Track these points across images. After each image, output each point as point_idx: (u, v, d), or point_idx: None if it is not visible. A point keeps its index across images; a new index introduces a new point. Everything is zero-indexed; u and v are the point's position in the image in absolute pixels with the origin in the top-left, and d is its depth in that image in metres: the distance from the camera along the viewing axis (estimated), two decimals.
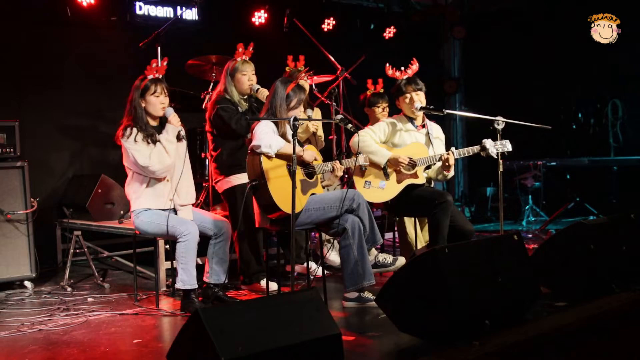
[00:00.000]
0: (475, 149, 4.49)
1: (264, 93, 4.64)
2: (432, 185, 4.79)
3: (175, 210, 4.19)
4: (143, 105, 4.15)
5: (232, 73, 4.73)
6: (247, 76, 4.73)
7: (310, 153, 4.11)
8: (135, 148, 4.05)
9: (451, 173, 4.55)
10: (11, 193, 4.87)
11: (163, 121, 4.23)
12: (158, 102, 4.16)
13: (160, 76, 4.23)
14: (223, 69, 4.82)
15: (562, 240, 4.04)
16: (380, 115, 5.21)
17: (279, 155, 3.96)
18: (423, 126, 4.74)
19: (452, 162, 4.45)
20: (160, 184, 4.17)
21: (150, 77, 4.18)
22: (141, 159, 4.04)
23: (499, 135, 4.42)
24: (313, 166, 4.15)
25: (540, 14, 8.33)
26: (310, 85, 5.77)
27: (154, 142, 4.11)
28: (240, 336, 2.55)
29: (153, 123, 4.21)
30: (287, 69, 5.04)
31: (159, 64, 4.26)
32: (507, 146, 4.46)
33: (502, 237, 3.65)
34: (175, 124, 4.20)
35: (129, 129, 4.09)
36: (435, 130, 4.79)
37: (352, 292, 4.05)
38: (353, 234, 3.97)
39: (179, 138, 4.20)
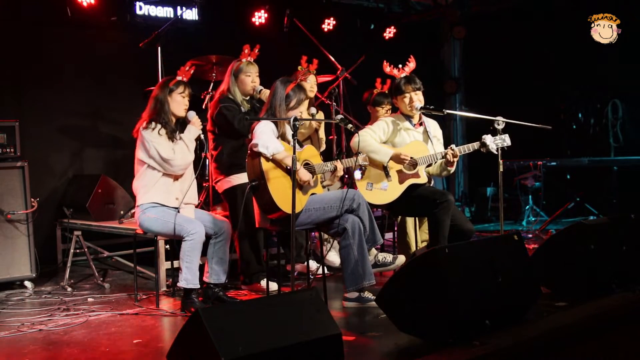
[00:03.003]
0: (476, 145, 4.50)
1: (266, 94, 4.65)
2: (432, 183, 4.79)
3: (177, 210, 4.21)
4: (169, 102, 4.23)
5: (236, 74, 4.74)
6: (251, 77, 4.75)
7: (305, 174, 4.02)
8: (157, 141, 4.13)
9: (453, 168, 4.56)
10: (11, 193, 4.87)
11: (180, 123, 4.32)
12: (183, 103, 4.27)
13: (186, 80, 4.34)
14: (227, 68, 4.84)
15: (562, 240, 4.05)
16: (383, 116, 5.21)
17: (275, 161, 3.95)
18: (420, 124, 4.74)
19: (455, 158, 4.45)
20: (171, 182, 4.22)
21: (179, 78, 4.29)
22: (164, 151, 4.12)
23: (498, 131, 4.44)
24: (313, 166, 4.15)
25: (540, 14, 8.32)
26: None
27: (174, 139, 4.20)
28: (240, 336, 2.55)
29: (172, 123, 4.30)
30: (299, 67, 5.06)
31: (189, 68, 4.37)
32: (507, 141, 4.47)
33: (502, 237, 3.66)
34: (197, 126, 4.32)
35: (153, 123, 4.17)
36: (433, 127, 4.78)
37: (352, 292, 4.05)
38: (353, 234, 3.97)
39: (197, 140, 4.32)
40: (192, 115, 4.32)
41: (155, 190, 4.17)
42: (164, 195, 4.18)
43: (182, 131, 4.30)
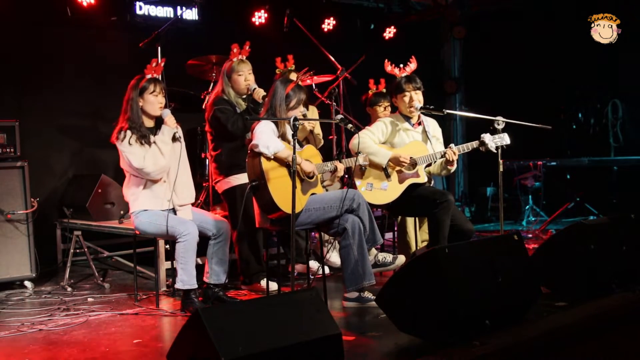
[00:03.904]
0: (475, 144, 4.51)
1: (259, 93, 4.64)
2: (432, 183, 4.79)
3: (174, 211, 4.20)
4: (141, 104, 4.15)
5: (229, 74, 4.72)
6: (244, 76, 4.71)
7: (308, 165, 4.08)
8: (129, 151, 4.05)
9: (454, 167, 4.57)
10: (11, 193, 4.87)
11: (159, 121, 4.23)
12: (156, 102, 4.15)
13: (158, 76, 4.22)
14: (221, 69, 4.83)
15: (562, 240, 4.05)
16: (382, 115, 5.21)
17: (277, 159, 3.95)
18: (419, 124, 4.74)
19: (455, 157, 4.46)
20: (157, 185, 4.16)
21: (148, 76, 4.17)
22: (135, 161, 4.03)
23: (498, 131, 4.44)
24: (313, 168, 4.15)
25: (540, 14, 8.32)
26: (310, 85, 5.77)
27: (149, 143, 4.10)
28: (240, 336, 2.55)
29: (149, 123, 4.20)
30: (277, 71, 5.02)
31: (157, 64, 4.24)
32: (506, 139, 4.47)
33: (502, 237, 3.66)
34: (171, 125, 4.19)
35: (122, 132, 4.08)
36: (432, 126, 4.78)
37: (352, 292, 4.05)
38: (353, 233, 3.97)
39: (174, 139, 4.19)
40: (166, 114, 4.19)
41: (144, 197, 4.13)
42: (152, 200, 4.14)
43: (159, 131, 4.18)
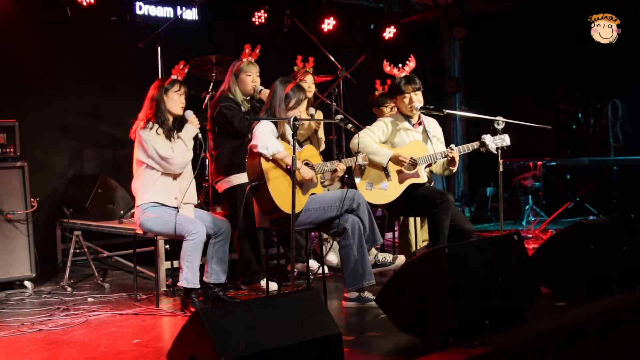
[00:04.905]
0: (475, 145, 4.51)
1: (266, 94, 4.66)
2: (432, 183, 4.79)
3: (177, 209, 4.21)
4: (165, 101, 4.24)
5: (237, 73, 4.76)
6: (252, 77, 4.76)
7: (308, 171, 4.07)
8: (155, 140, 4.14)
9: (456, 167, 4.58)
10: (11, 193, 4.87)
11: (178, 122, 4.33)
12: (179, 101, 4.29)
13: (181, 78, 4.36)
14: (227, 68, 4.86)
15: (562, 240, 4.05)
16: (389, 115, 5.20)
17: (275, 160, 3.95)
18: (419, 124, 4.74)
19: (457, 158, 4.47)
20: (170, 181, 4.23)
21: (173, 77, 4.31)
22: (163, 150, 4.14)
23: (498, 131, 4.45)
24: (313, 166, 4.15)
25: (540, 14, 8.32)
26: None
27: (172, 138, 4.22)
28: (240, 336, 2.55)
29: (170, 123, 4.30)
30: (295, 68, 5.07)
31: (183, 67, 4.37)
32: (506, 140, 4.48)
33: (502, 237, 3.66)
34: (195, 125, 4.34)
35: (150, 123, 4.19)
36: (433, 126, 4.78)
37: (352, 292, 4.05)
38: (353, 233, 3.97)
39: (196, 139, 4.34)
40: (190, 115, 4.34)
41: (155, 190, 4.17)
42: (163, 194, 4.18)
43: (179, 130, 4.32)
